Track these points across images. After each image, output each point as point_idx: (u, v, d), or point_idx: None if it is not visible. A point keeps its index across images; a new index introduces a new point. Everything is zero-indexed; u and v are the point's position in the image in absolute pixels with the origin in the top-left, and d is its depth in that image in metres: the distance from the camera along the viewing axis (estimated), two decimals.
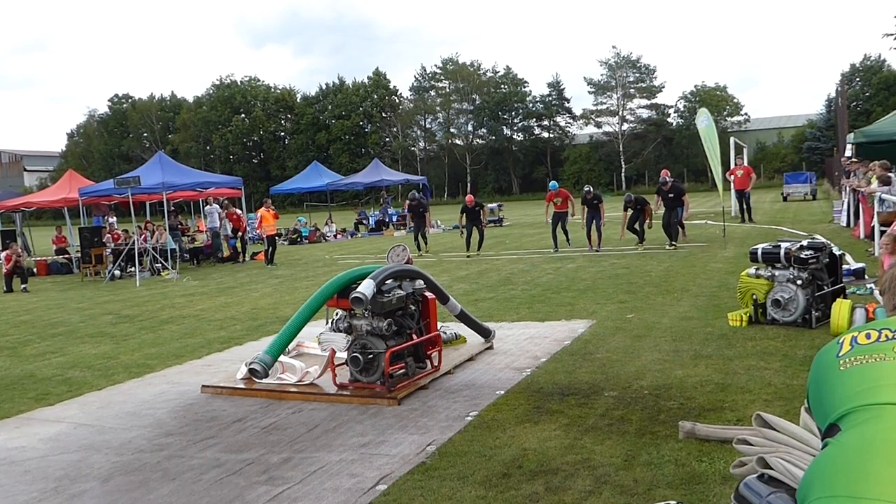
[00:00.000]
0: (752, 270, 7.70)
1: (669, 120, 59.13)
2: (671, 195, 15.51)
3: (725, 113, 55.50)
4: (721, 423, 4.62)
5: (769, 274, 7.48)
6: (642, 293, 10.08)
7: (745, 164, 21.94)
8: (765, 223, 19.92)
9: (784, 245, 7.46)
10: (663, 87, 59.41)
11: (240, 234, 21.10)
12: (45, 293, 16.12)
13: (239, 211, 21.84)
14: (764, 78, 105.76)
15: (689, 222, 18.45)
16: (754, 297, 7.51)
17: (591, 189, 16.39)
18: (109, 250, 19.41)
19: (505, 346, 7.45)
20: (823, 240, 8.48)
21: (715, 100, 54.21)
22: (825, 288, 7.40)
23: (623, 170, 57.26)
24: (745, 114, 57.28)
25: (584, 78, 66.54)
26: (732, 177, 21.07)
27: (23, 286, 16.68)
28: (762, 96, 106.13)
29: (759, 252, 7.61)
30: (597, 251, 15.84)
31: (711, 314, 8.19)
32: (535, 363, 6.69)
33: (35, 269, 20.88)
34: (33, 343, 9.68)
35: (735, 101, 57.26)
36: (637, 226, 16.26)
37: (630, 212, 16.23)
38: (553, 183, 17.11)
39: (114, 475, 4.60)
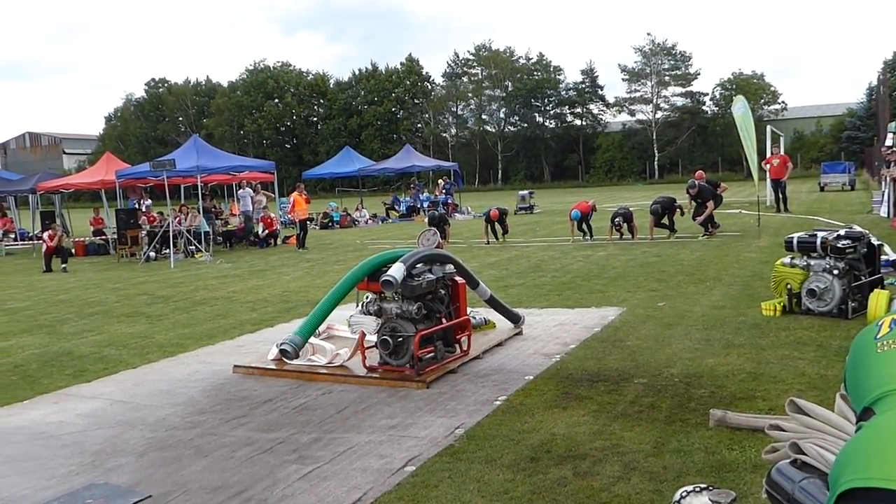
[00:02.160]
0: (787, 259, 7.58)
1: (704, 108, 58.24)
2: (697, 200, 15.60)
3: (762, 101, 54.49)
4: (752, 412, 4.57)
5: (804, 263, 7.36)
6: (674, 282, 9.99)
7: (782, 152, 21.57)
8: (801, 213, 19.56)
9: (821, 234, 7.33)
10: (698, 74, 58.53)
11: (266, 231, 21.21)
12: (83, 273, 16.44)
13: (273, 215, 22.05)
14: (802, 66, 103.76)
15: (722, 211, 18.21)
16: (789, 286, 7.39)
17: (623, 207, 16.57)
18: (145, 232, 19.72)
19: (534, 332, 7.44)
20: (862, 230, 8.31)
21: (752, 88, 53.24)
22: (862, 278, 7.26)
23: (656, 158, 56.61)
24: (783, 102, 56.20)
25: (618, 65, 65.84)
26: (768, 166, 20.71)
27: (62, 266, 17.04)
28: (800, 84, 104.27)
29: (795, 241, 7.48)
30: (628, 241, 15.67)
31: (744, 303, 8.09)
32: (564, 349, 6.67)
33: (73, 250, 21.31)
34: (71, 321, 9.89)
35: (772, 89, 56.21)
36: (666, 220, 15.97)
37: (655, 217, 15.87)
38: (576, 212, 16.27)
39: (148, 451, 4.70)
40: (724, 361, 5.89)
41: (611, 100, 62.73)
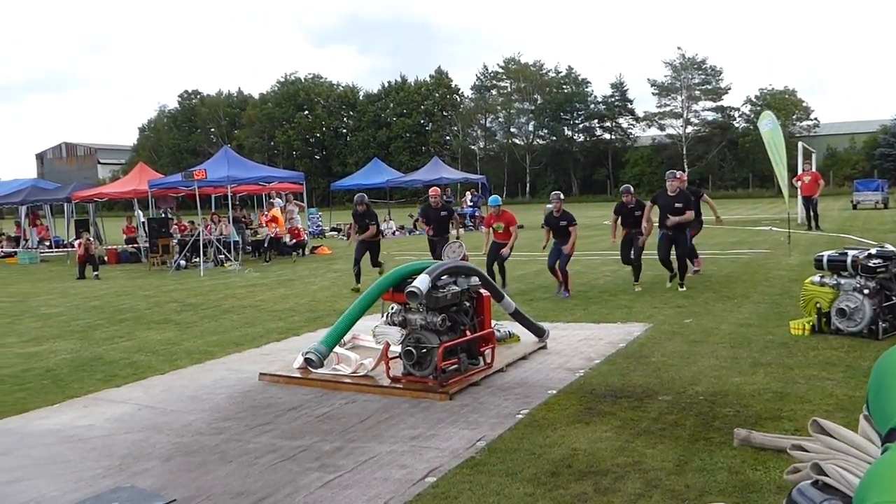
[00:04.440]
0: (816, 278, 7.49)
1: (735, 123, 57.66)
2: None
3: (794, 117, 53.82)
4: (778, 433, 4.52)
5: (834, 282, 7.26)
6: (701, 298, 9.90)
7: (813, 169, 21.28)
8: (832, 231, 19.28)
9: (851, 253, 7.23)
10: (729, 89, 57.88)
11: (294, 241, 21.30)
12: (115, 280, 16.71)
13: (300, 226, 22.27)
14: (835, 82, 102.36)
15: (752, 228, 17.98)
16: (818, 305, 7.30)
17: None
18: (176, 241, 20.00)
19: (559, 347, 7.42)
20: (894, 249, 8.18)
21: (783, 103, 52.59)
22: (893, 298, 7.14)
23: (686, 173, 56.04)
24: (815, 118, 55.44)
25: (648, 79, 65.56)
26: (799, 183, 20.46)
27: (94, 273, 17.34)
28: (833, 101, 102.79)
29: (825, 259, 7.39)
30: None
31: (772, 322, 8.00)
32: (588, 364, 6.65)
33: (106, 258, 21.67)
34: (103, 327, 10.06)
35: (804, 105, 55.47)
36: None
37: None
38: (494, 197, 11.92)
39: (174, 455, 4.77)
40: (750, 380, 5.83)
41: (640, 114, 62.40)
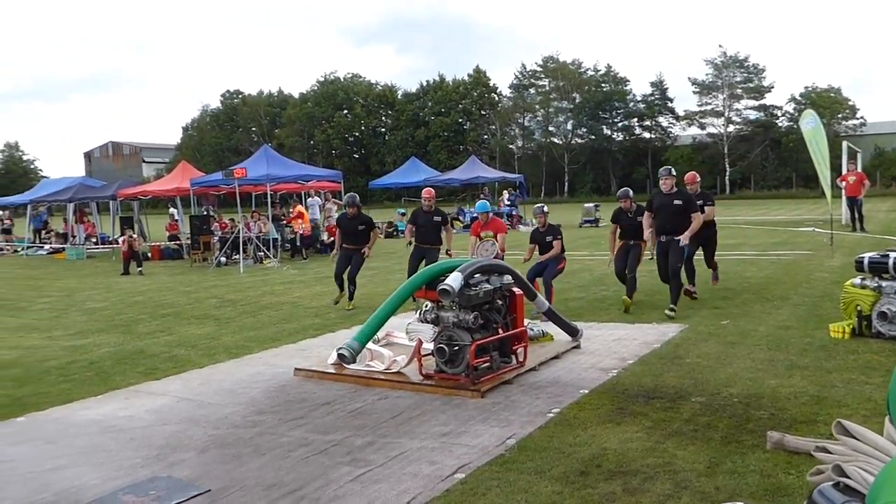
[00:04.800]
0: (857, 280, 7.34)
1: (778, 122, 56.56)
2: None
3: (840, 116, 52.60)
4: (813, 437, 4.45)
5: (876, 285, 7.11)
6: (739, 300, 9.77)
7: (858, 169, 20.79)
8: (877, 233, 18.80)
9: (893, 255, 7.07)
10: (772, 87, 56.80)
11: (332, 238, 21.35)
12: (157, 276, 17.08)
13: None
14: (882, 80, 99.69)
15: (795, 229, 17.66)
16: (858, 308, 7.15)
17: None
18: (217, 238, 20.37)
19: (592, 346, 7.40)
20: None
21: (828, 102, 51.43)
22: None
23: (727, 173, 55.21)
24: (861, 117, 54.10)
25: (689, 78, 64.57)
26: (844, 183, 20.02)
27: (138, 269, 17.75)
28: (881, 99, 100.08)
29: (866, 261, 7.24)
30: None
31: (812, 324, 7.86)
32: (621, 364, 6.62)
33: (149, 254, 22.14)
34: (145, 322, 10.31)
35: (850, 103, 54.17)
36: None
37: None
38: (482, 203, 10.53)
39: (210, 447, 4.89)
40: (786, 383, 5.75)
41: (680, 112, 61.62)
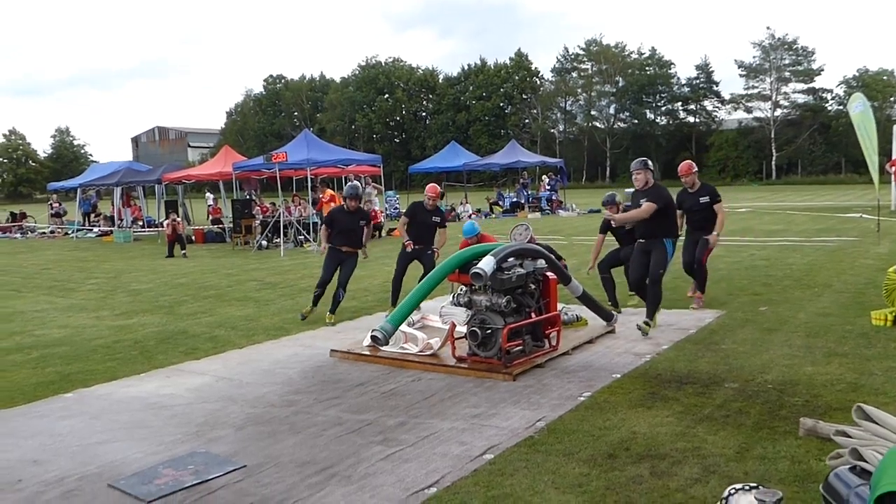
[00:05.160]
0: None
1: (827, 106, 55.03)
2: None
3: (893, 100, 50.96)
4: (847, 424, 4.40)
5: None
6: (780, 286, 9.62)
7: None
8: None
9: None
10: (821, 70, 55.30)
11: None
12: (201, 259, 17.44)
13: (377, 208, 22.30)
14: None
15: (842, 215, 17.26)
16: None
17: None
18: (258, 222, 20.69)
19: (627, 332, 7.38)
20: None
21: (880, 85, 49.92)
22: None
23: (774, 158, 54.00)
24: None
25: (735, 60, 63.14)
26: (893, 168, 19.47)
27: (182, 252, 18.15)
28: None
29: None
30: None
31: (853, 312, 7.72)
32: (655, 350, 6.60)
33: (193, 237, 22.60)
34: (187, 303, 10.56)
35: None
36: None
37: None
38: (470, 223, 9.14)
39: (247, 425, 5.03)
40: (823, 370, 5.68)
41: (726, 96, 60.36)
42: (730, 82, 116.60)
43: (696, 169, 8.96)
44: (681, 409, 4.92)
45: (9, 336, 8.54)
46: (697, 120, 62.20)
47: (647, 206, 7.37)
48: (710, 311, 8.18)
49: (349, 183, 10.02)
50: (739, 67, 57.71)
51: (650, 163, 7.83)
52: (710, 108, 61.79)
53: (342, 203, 9.39)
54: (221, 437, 4.79)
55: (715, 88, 61.11)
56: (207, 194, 27.89)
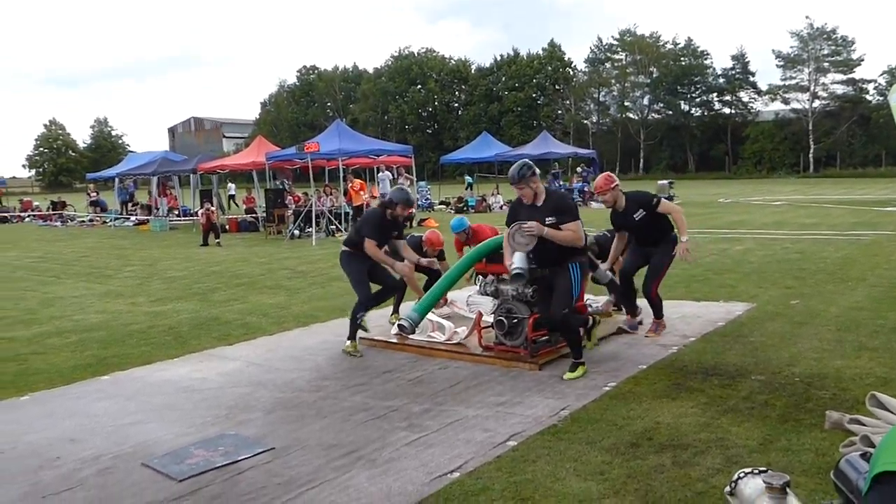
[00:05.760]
0: None
1: (868, 97, 53.77)
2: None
3: None
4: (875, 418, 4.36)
5: None
6: (812, 280, 9.50)
7: None
8: None
9: None
10: (862, 60, 53.92)
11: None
12: (234, 248, 17.71)
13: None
14: None
15: (880, 209, 16.93)
16: None
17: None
18: (290, 211, 20.92)
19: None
20: None
21: None
22: None
23: (811, 150, 52.99)
24: None
25: (772, 50, 62.19)
26: None
27: (216, 241, 18.44)
28: None
29: None
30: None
31: (886, 306, 7.61)
32: (683, 341, 6.58)
33: (227, 226, 22.94)
34: (220, 291, 10.76)
35: None
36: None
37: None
38: (459, 219, 8.86)
39: (275, 409, 5.14)
40: (852, 364, 5.62)
41: (763, 87, 59.28)
42: (767, 73, 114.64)
43: (616, 182, 6.85)
44: (705, 401, 4.92)
45: (49, 320, 8.80)
46: (733, 111, 61.19)
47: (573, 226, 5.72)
48: (741, 304, 8.12)
49: (397, 186, 8.86)
50: (777, 58, 56.68)
51: (535, 168, 5.89)
52: (746, 99, 60.76)
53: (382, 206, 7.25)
54: (251, 420, 4.91)
55: (751, 79, 60.03)
56: (230, 185, 28.25)
